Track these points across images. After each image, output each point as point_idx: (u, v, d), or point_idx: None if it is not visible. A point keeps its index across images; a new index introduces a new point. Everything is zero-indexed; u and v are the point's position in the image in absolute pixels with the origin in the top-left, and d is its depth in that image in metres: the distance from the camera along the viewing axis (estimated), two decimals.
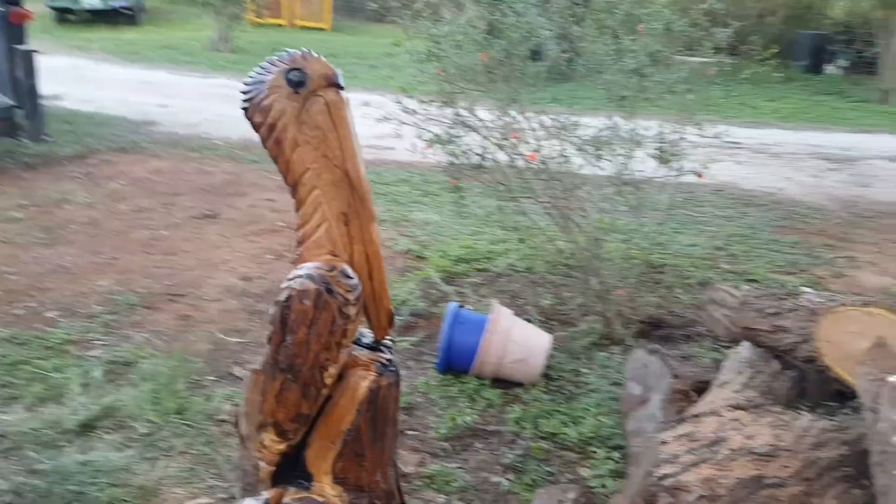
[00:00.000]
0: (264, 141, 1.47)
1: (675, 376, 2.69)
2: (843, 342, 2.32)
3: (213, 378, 3.39)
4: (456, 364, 3.42)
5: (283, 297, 1.40)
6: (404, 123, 3.93)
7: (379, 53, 14.27)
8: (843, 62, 16.22)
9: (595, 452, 2.89)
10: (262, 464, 1.50)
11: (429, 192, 6.65)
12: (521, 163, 3.81)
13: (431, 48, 3.84)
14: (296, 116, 1.42)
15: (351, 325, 1.41)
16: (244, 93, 1.45)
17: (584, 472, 2.84)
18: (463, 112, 3.90)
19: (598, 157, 3.68)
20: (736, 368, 2.51)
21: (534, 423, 3.11)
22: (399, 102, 3.91)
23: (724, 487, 1.97)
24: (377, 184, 6.72)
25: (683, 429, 2.18)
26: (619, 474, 2.71)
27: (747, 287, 3.75)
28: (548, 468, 2.88)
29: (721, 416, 2.20)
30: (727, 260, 5.24)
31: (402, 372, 2.06)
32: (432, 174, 7.14)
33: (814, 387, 2.52)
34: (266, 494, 1.48)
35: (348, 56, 14.47)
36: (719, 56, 3.74)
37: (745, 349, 2.64)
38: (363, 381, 1.47)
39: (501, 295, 4.29)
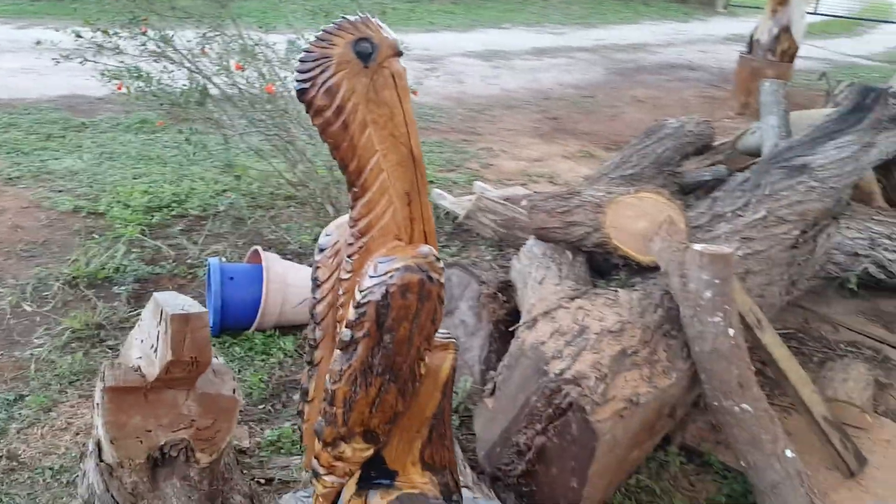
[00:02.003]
0: (327, 126, 1.21)
1: (482, 282, 2.91)
2: (625, 225, 2.77)
3: None
4: (231, 323, 3.19)
5: (376, 295, 1.21)
6: (89, 60, 3.33)
7: None
8: None
9: None
10: (330, 479, 1.32)
11: (51, 135, 5.70)
12: (240, 92, 3.53)
13: None
14: (365, 94, 1.20)
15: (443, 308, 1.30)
16: (302, 72, 1.17)
17: None
18: (158, 41, 3.44)
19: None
20: (540, 265, 2.83)
21: None
22: (79, 36, 3.28)
23: (605, 366, 2.28)
24: None
25: (546, 328, 2.43)
26: None
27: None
28: None
29: (567, 308, 2.50)
30: None
31: None
32: (44, 112, 6.13)
33: (599, 265, 2.97)
34: None
35: None
36: None
37: (535, 246, 2.97)
38: (446, 363, 1.37)
39: (224, 239, 4.02)
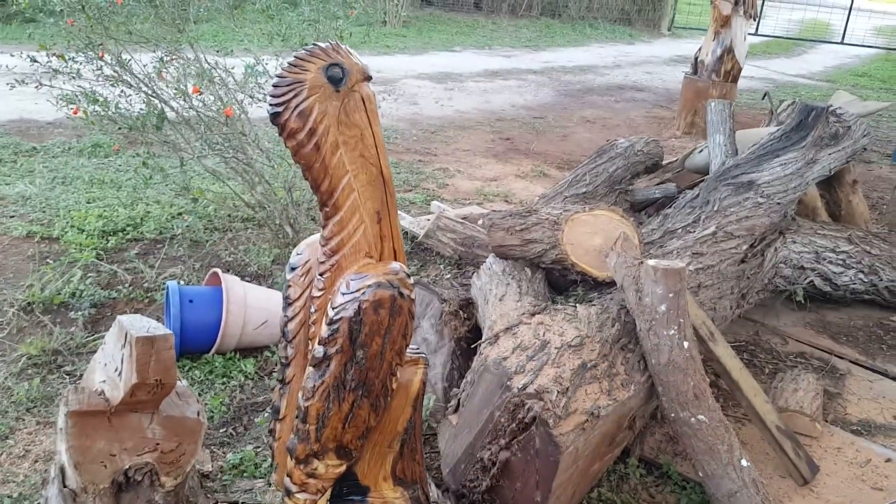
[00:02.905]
0: (300, 148, 1.24)
1: (443, 300, 2.95)
2: (581, 242, 2.85)
3: None
4: (190, 346, 3.16)
5: (349, 311, 1.24)
6: (45, 85, 3.30)
7: None
8: None
9: None
10: (303, 496, 1.34)
11: (1, 160, 5.59)
12: (198, 115, 3.53)
13: None
14: (336, 117, 1.23)
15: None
16: (276, 96, 1.19)
17: None
18: (115, 66, 3.42)
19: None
20: (500, 282, 2.88)
21: None
22: (35, 61, 3.25)
23: (566, 380, 2.33)
24: None
25: (508, 343, 2.48)
26: None
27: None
28: None
29: (528, 323, 2.55)
30: None
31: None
32: None
33: (557, 282, 3.04)
34: None
35: None
36: None
37: (494, 264, 3.03)
38: (416, 377, 1.40)
39: (181, 262, 3.99)
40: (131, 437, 2.07)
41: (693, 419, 2.55)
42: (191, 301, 3.13)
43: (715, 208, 3.35)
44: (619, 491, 2.71)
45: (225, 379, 3.08)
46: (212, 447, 2.74)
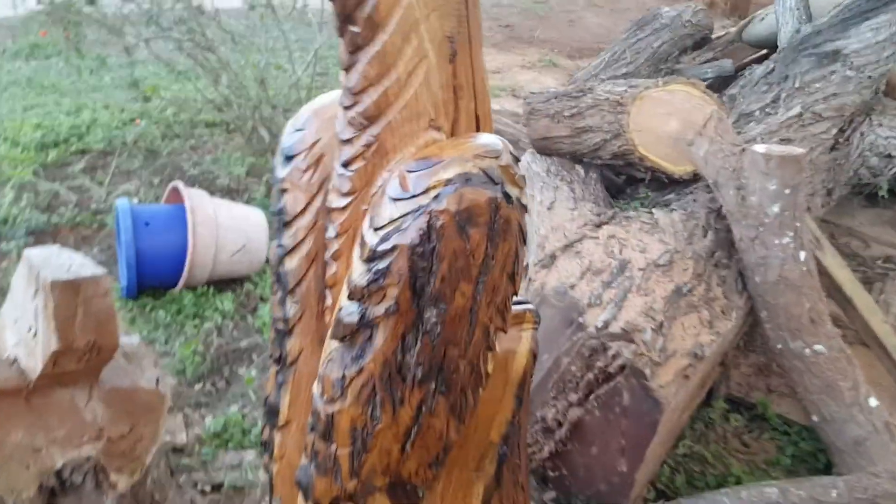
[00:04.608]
0: None
1: None
2: (652, 127, 2.19)
3: None
4: (151, 281, 2.51)
5: (410, 234, 0.61)
6: None
7: None
8: None
9: None
10: None
11: None
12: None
13: None
14: None
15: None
16: None
17: None
18: None
19: None
20: (545, 185, 2.23)
21: None
22: None
23: (659, 312, 1.72)
24: None
25: (571, 266, 1.84)
26: None
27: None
28: None
29: (595, 237, 1.92)
30: None
31: None
32: None
33: (608, 184, 2.40)
34: None
35: None
36: None
37: (534, 163, 2.36)
38: (521, 346, 0.78)
39: (135, 177, 3.29)
40: (62, 424, 1.47)
41: (807, 350, 1.98)
42: (147, 224, 2.46)
43: (796, 84, 2.70)
44: (706, 441, 2.15)
45: (197, 320, 2.45)
46: (185, 410, 2.13)
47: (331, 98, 0.83)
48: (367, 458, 0.71)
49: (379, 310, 0.67)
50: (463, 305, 0.67)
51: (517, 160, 0.71)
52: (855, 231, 3.21)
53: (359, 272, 0.68)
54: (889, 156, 3.06)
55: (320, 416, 0.72)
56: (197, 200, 2.52)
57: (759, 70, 2.87)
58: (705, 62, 3.36)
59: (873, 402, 1.97)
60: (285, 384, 0.85)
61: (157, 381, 1.56)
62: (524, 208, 0.70)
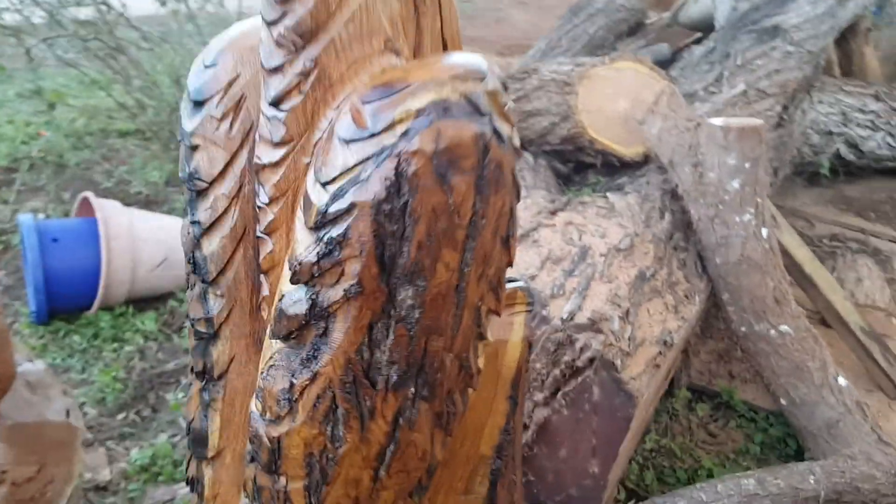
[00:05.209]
0: None
1: None
2: (602, 107, 2.08)
3: None
4: (63, 303, 2.27)
5: (372, 186, 0.44)
6: None
7: None
8: None
9: None
10: None
11: None
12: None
13: None
14: None
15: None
16: None
17: None
18: None
19: None
20: None
21: None
22: None
23: (625, 299, 1.60)
24: None
25: (530, 255, 1.71)
26: None
27: None
28: None
29: (552, 225, 1.79)
30: None
31: None
32: None
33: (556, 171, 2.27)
34: None
35: None
36: None
37: None
38: (513, 334, 0.63)
39: (43, 192, 3.02)
40: None
41: (773, 331, 1.89)
42: (55, 240, 2.22)
43: (738, 62, 2.63)
44: (672, 434, 2.05)
45: (116, 343, 2.22)
46: (107, 443, 1.91)
47: (250, 24, 0.66)
48: (328, 493, 0.54)
49: (335, 293, 0.51)
50: (447, 280, 0.51)
51: (505, 87, 0.56)
52: (798, 211, 3.17)
53: (304, 245, 0.52)
54: (830, 132, 3.04)
55: (263, 441, 0.55)
56: (110, 211, 2.29)
57: (700, 50, 2.81)
58: (641, 48, 3.30)
59: (842, 381, 1.90)
60: (213, 403, 0.67)
61: (68, 412, 1.35)
62: (517, 152, 0.55)
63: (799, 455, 1.96)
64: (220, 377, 0.66)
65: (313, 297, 0.52)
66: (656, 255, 1.76)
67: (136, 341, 2.22)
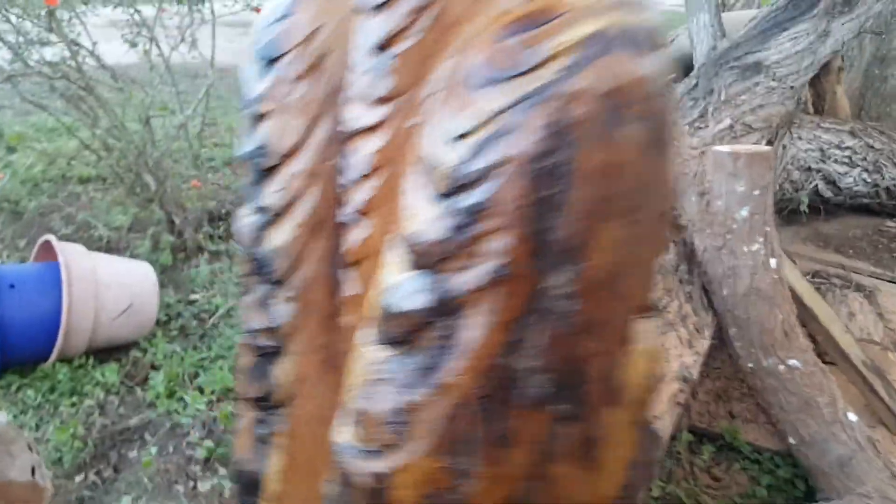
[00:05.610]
0: None
1: None
2: None
3: None
4: (17, 354, 2.09)
5: (524, 138, 0.32)
6: None
7: None
8: None
9: None
10: None
11: None
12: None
13: None
14: None
15: None
16: None
17: None
18: None
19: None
20: None
21: (186, 384, 2.11)
22: None
23: None
24: None
25: None
26: None
27: None
28: None
29: None
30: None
31: None
32: None
33: None
34: None
35: None
36: None
37: None
38: (643, 338, 0.50)
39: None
40: None
41: (782, 366, 1.81)
42: (12, 286, 2.05)
43: (722, 97, 2.61)
44: (676, 479, 1.93)
45: (75, 398, 2.03)
46: None
47: None
48: None
49: (471, 278, 0.37)
50: (610, 263, 0.39)
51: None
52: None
53: (426, 219, 0.38)
54: (809, 168, 3.03)
55: (358, 480, 0.40)
56: (72, 255, 2.13)
57: (681, 87, 2.78)
58: None
59: (852, 416, 1.82)
60: (274, 438, 0.51)
61: (33, 469, 1.19)
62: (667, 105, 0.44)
63: (809, 496, 1.86)
64: (281, 404, 0.51)
65: (441, 287, 0.40)
66: (665, 288, 1.68)
67: (96, 395, 2.04)
